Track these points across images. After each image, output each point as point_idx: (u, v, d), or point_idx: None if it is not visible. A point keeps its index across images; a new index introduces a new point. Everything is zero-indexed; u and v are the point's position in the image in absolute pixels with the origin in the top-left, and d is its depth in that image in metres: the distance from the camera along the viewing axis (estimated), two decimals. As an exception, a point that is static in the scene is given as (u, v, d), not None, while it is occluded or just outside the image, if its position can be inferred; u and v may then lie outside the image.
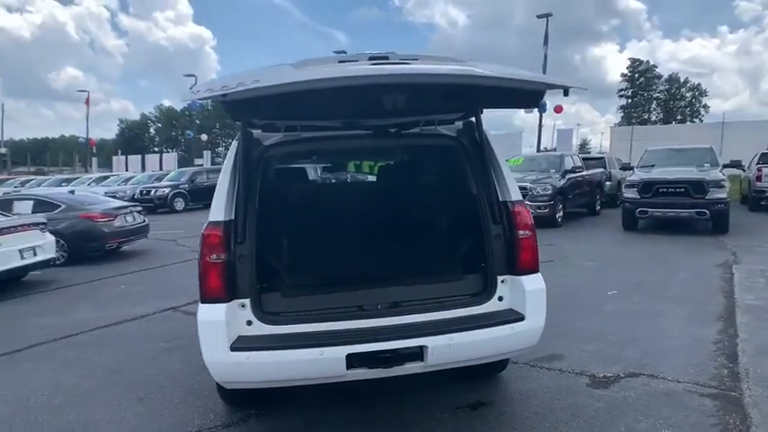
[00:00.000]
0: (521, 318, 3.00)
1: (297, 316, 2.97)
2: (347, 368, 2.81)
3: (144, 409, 3.80)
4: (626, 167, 15.09)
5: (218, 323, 2.79)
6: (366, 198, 4.07)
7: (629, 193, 11.72)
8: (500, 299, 3.10)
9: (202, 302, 2.88)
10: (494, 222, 3.10)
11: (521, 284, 3.07)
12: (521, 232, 3.11)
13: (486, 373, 3.92)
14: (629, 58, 65.74)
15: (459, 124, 3.39)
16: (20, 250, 7.97)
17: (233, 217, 2.93)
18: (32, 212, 10.30)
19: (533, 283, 3.10)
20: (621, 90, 61.03)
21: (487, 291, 3.11)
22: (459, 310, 3.04)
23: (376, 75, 2.23)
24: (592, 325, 5.24)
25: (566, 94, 2.49)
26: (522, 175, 13.46)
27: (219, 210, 2.92)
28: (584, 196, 14.71)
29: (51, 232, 9.35)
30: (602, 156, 19.23)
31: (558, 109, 24.59)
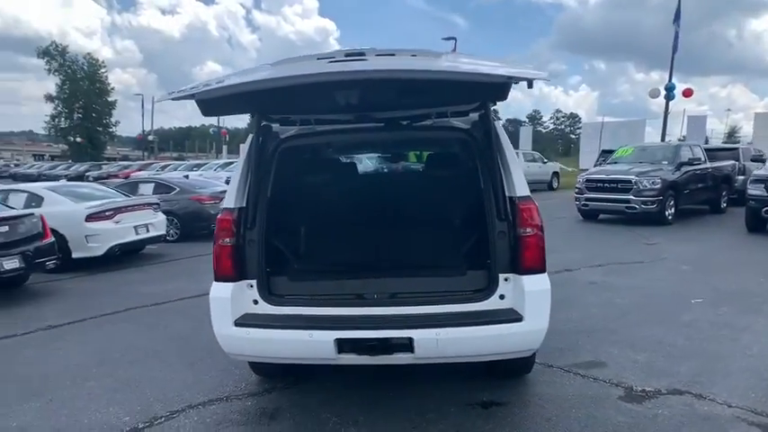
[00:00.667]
0: (518, 318, 2.89)
1: (299, 299, 3.15)
2: (339, 352, 2.92)
3: (191, 373, 4.24)
4: (757, 159, 13.21)
5: (225, 300, 3.06)
6: (376, 190, 4.11)
7: (755, 190, 10.29)
8: (501, 297, 3.00)
9: (215, 281, 3.17)
10: (498, 218, 3.00)
11: (522, 284, 2.95)
12: (525, 230, 2.97)
13: (509, 373, 3.81)
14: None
15: (474, 116, 3.29)
16: (135, 227, 9.14)
17: (244, 204, 3.16)
18: (153, 194, 11.73)
19: (535, 284, 2.96)
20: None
21: (489, 288, 3.02)
22: (456, 305, 3.00)
23: (323, 72, 2.30)
24: (656, 334, 4.79)
25: (530, 85, 2.33)
26: (629, 167, 12.46)
27: (232, 197, 3.18)
28: (704, 192, 13.22)
29: (166, 212, 10.59)
30: (734, 146, 17.01)
31: (688, 93, 22.06)
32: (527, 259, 2.97)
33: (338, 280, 3.29)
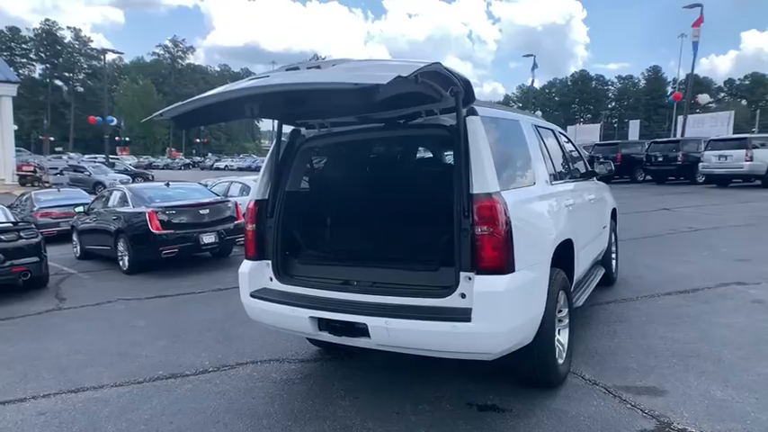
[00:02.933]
0: (466, 318, 2.80)
1: (302, 280, 3.61)
2: (319, 329, 3.30)
3: (276, 337, 5.00)
4: None
5: (244, 275, 3.74)
6: (377, 186, 4.19)
7: None
8: (462, 296, 2.92)
9: (245, 259, 3.85)
10: (463, 216, 2.93)
11: (474, 283, 2.84)
12: (480, 228, 2.84)
13: (529, 383, 3.59)
14: None
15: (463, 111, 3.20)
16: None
17: (266, 197, 3.75)
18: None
19: (488, 285, 2.81)
20: None
21: (452, 286, 2.99)
22: (418, 299, 3.05)
23: (231, 90, 2.72)
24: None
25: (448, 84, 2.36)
26: None
27: (256, 190, 3.80)
28: None
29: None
30: None
31: None
32: (482, 258, 2.84)
33: (332, 266, 3.66)
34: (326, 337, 3.32)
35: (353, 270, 3.51)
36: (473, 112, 3.06)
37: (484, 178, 2.91)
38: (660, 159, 19.99)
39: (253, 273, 3.74)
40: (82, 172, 27.57)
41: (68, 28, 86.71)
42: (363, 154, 4.48)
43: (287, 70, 2.85)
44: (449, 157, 3.46)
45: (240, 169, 51.77)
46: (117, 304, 6.82)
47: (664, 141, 22.42)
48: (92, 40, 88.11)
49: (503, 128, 3.44)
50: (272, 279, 3.71)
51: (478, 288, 2.83)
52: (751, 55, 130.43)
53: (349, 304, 3.18)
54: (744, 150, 16.90)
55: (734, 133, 24.48)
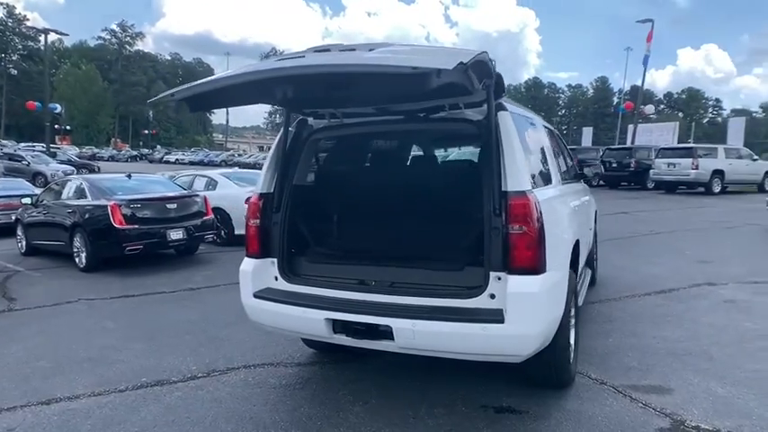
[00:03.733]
0: (498, 320, 2.73)
1: (311, 280, 3.42)
2: (334, 332, 3.13)
3: (264, 339, 4.78)
4: None
5: (247, 274, 3.50)
6: (391, 181, 4.07)
7: None
8: (492, 296, 2.85)
9: (246, 256, 3.62)
10: (494, 214, 2.85)
11: (507, 284, 2.77)
12: (514, 227, 2.77)
13: (541, 384, 3.56)
14: None
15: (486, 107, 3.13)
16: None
17: (271, 190, 3.54)
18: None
19: (521, 286, 2.75)
20: None
21: (481, 286, 2.90)
22: (445, 299, 2.95)
23: (263, 70, 2.49)
24: (766, 369, 3.93)
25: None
26: None
27: (261, 183, 3.58)
28: None
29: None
30: None
31: None
32: (516, 258, 2.78)
33: (345, 265, 3.49)
34: (342, 340, 3.16)
35: (368, 269, 3.36)
36: (503, 107, 2.99)
37: (517, 176, 2.84)
38: (614, 165, 20.83)
39: (256, 271, 3.52)
40: (19, 161, 25.70)
41: (0, 4, 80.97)
42: (379, 147, 4.32)
43: (316, 52, 2.66)
44: (474, 152, 3.37)
45: (192, 163, 50.15)
46: (78, 305, 6.33)
47: (618, 148, 23.40)
48: (27, 19, 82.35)
49: (526, 125, 3.39)
50: (277, 278, 3.50)
51: (513, 289, 2.75)
52: (686, 71, 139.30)
53: (370, 305, 3.03)
54: (691, 159, 17.87)
55: (678, 143, 25.94)
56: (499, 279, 2.86)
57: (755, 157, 19.95)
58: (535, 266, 2.80)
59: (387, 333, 2.95)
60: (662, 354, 4.24)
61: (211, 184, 10.73)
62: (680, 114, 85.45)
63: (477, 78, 2.67)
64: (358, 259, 3.51)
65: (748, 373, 3.85)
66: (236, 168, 22.60)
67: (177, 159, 54.97)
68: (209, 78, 2.79)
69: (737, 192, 19.04)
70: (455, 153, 4.45)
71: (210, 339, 4.89)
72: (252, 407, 3.54)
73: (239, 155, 62.18)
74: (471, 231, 3.10)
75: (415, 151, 4.49)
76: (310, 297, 3.26)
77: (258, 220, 3.55)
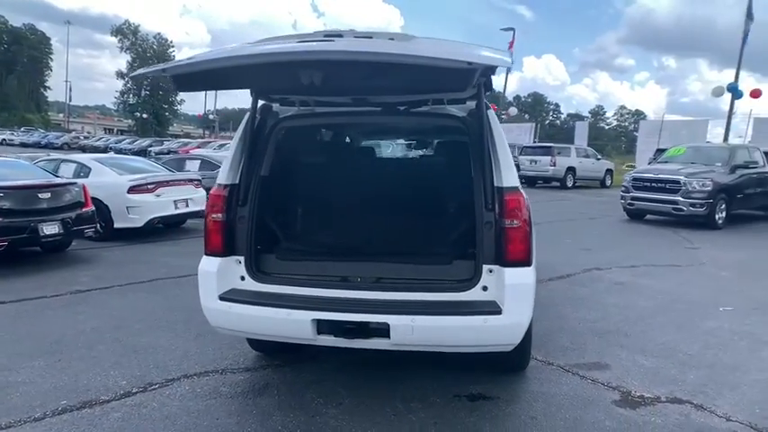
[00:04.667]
0: (497, 311, 2.80)
1: (285, 278, 3.18)
2: (317, 333, 2.94)
3: (195, 344, 4.39)
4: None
5: (211, 274, 3.14)
6: (369, 174, 4.05)
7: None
8: (484, 289, 2.92)
9: (205, 255, 3.25)
10: (486, 209, 2.91)
11: (503, 276, 2.86)
12: (509, 221, 2.87)
13: (504, 367, 3.73)
14: None
15: (471, 104, 3.19)
16: (174, 201, 9.50)
17: (236, 181, 3.22)
18: (199, 170, 12.15)
19: (517, 277, 2.86)
20: None
21: (473, 279, 2.95)
22: (438, 293, 2.95)
23: (282, 52, 2.28)
24: (671, 340, 4.55)
25: (492, 72, 2.22)
26: (680, 167, 11.80)
27: (224, 174, 3.24)
28: (762, 197, 12.36)
29: (208, 189, 10.92)
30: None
31: (756, 93, 20.50)
32: (510, 252, 2.87)
33: (324, 262, 3.31)
34: (327, 341, 2.98)
35: (349, 266, 3.21)
36: (486, 106, 3.04)
37: (510, 172, 2.91)
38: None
39: (222, 271, 3.16)
40: None
41: None
42: (353, 139, 4.10)
43: (327, 36, 2.45)
44: (457, 148, 3.35)
45: (24, 145, 43.49)
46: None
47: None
48: None
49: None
50: (243, 278, 3.19)
51: (510, 280, 2.83)
52: (530, 77, 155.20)
53: (363, 303, 2.90)
54: (549, 157, 19.94)
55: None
56: (491, 272, 2.92)
57: (599, 156, 22.91)
58: (527, 259, 2.92)
59: (381, 330, 2.86)
60: (587, 334, 4.69)
61: (83, 171, 9.40)
62: (526, 116, 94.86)
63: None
64: (337, 255, 3.33)
65: (660, 346, 4.43)
66: (112, 152, 20.14)
67: (4, 140, 47.21)
68: (214, 55, 2.42)
69: (585, 186, 21.73)
70: (433, 147, 4.39)
71: (130, 349, 4.31)
72: (215, 420, 3.20)
73: (85, 137, 55.48)
74: (458, 225, 3.12)
75: (394, 144, 4.38)
76: (291, 297, 3.02)
77: (221, 215, 3.19)
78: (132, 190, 8.96)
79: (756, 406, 3.38)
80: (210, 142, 38.28)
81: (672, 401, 3.44)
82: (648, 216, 12.17)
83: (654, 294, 6.02)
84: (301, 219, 3.75)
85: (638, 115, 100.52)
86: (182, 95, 62.24)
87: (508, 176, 2.91)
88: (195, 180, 10.34)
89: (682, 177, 11.09)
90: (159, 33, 61.95)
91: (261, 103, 3.35)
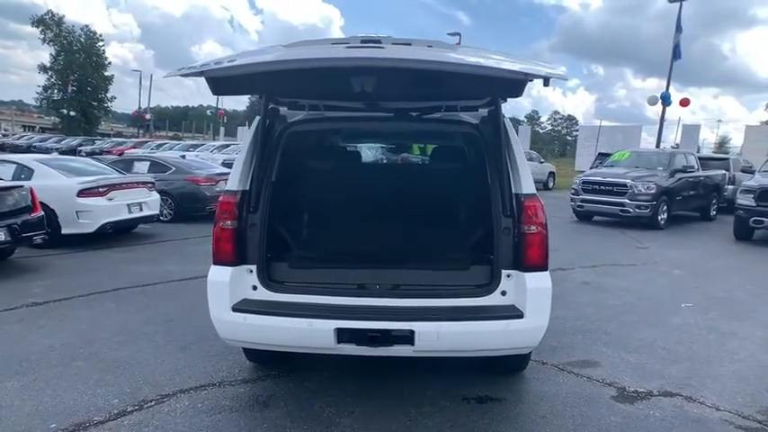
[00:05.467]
0: (519, 315, 2.88)
1: (300, 287, 3.11)
2: (338, 342, 2.89)
3: (183, 357, 4.19)
4: (747, 171, 13.39)
5: (223, 284, 3.02)
6: (384, 180, 4.07)
7: (744, 200, 10.42)
8: (503, 293, 2.98)
9: (214, 264, 3.12)
10: (504, 215, 2.98)
11: (524, 281, 2.93)
12: (529, 227, 2.95)
13: (505, 369, 3.81)
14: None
15: (483, 111, 3.26)
16: (128, 205, 9.01)
17: (247, 187, 3.11)
18: (148, 172, 11.58)
19: (537, 281, 2.94)
20: (774, 83, 53.17)
21: (491, 284, 3.01)
22: (458, 299, 2.99)
23: (345, 58, 2.26)
24: (647, 336, 4.82)
25: (546, 83, 2.31)
26: (626, 171, 12.53)
27: (235, 179, 3.12)
28: (696, 199, 13.33)
29: (161, 191, 10.46)
30: (725, 156, 17.17)
31: (684, 102, 22.16)
32: (530, 257, 2.95)
33: (340, 269, 3.27)
34: (348, 349, 2.93)
35: (364, 273, 3.17)
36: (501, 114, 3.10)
37: (528, 179, 2.99)
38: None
39: (234, 281, 3.04)
40: None
41: None
42: (365, 145, 4.02)
43: (363, 42, 2.41)
44: (473, 154, 3.36)
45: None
46: None
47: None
48: None
49: None
50: (256, 288, 3.08)
51: (532, 284, 2.90)
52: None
53: (387, 311, 2.88)
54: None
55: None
56: (509, 276, 2.99)
57: (542, 159, 23.85)
58: (545, 263, 3.01)
59: (405, 338, 2.85)
60: (571, 333, 4.88)
61: (23, 173, 8.70)
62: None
63: None
64: (351, 263, 3.28)
65: (638, 342, 4.68)
66: (56, 153, 18.78)
67: None
68: (258, 58, 2.32)
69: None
70: (445, 154, 4.39)
71: (112, 364, 4.06)
72: (226, 436, 3.08)
73: (3, 134, 51.54)
74: (474, 231, 3.16)
75: (406, 150, 4.34)
76: (310, 306, 2.95)
77: (233, 222, 3.07)
78: (82, 193, 8.43)
79: (738, 395, 3.65)
80: (147, 142, 36.70)
81: (664, 395, 3.65)
82: (596, 217, 12.82)
83: (620, 293, 6.35)
84: (313, 226, 3.67)
85: (571, 120, 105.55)
86: (112, 91, 59.09)
87: (526, 183, 2.99)
88: (149, 183, 9.87)
89: (628, 181, 11.76)
90: (87, 26, 58.08)
91: (270, 106, 3.26)
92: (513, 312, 2.89)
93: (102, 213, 8.55)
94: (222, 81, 2.44)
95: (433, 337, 2.82)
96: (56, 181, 8.56)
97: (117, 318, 5.18)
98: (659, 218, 11.83)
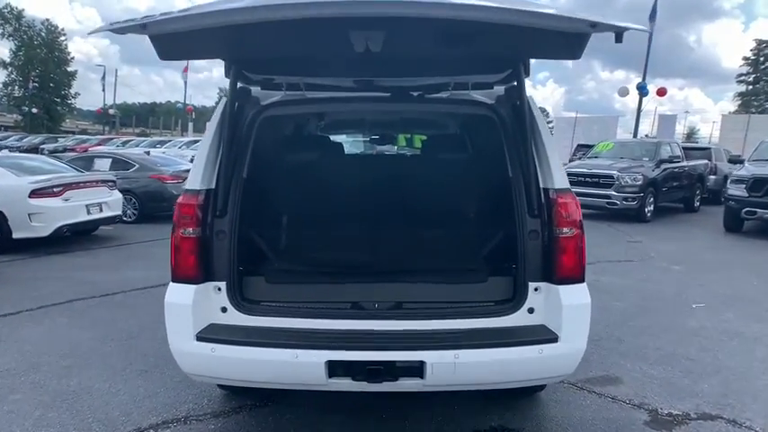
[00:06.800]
0: (553, 338, 2.35)
1: (280, 308, 2.53)
2: (329, 376, 2.33)
3: (142, 384, 3.58)
4: (735, 160, 13.24)
5: (184, 307, 2.41)
6: (380, 175, 3.45)
7: (735, 190, 10.16)
8: (530, 311, 2.46)
9: (173, 281, 2.52)
10: (530, 215, 2.45)
11: (557, 296, 2.41)
12: (563, 230, 2.43)
13: (521, 393, 3.30)
14: (755, 39, 57.94)
15: (499, 89, 2.71)
16: (86, 205, 8.27)
17: (213, 186, 2.52)
18: (110, 170, 10.77)
19: (574, 296, 2.42)
20: (741, 75, 54.33)
21: (515, 299, 2.48)
22: (476, 319, 2.44)
23: (330, 1, 1.67)
24: (665, 344, 4.38)
25: (618, 39, 1.80)
26: (611, 162, 12.21)
27: (197, 177, 2.51)
28: (680, 190, 13.12)
29: (123, 190, 9.70)
30: (707, 146, 17.09)
31: (661, 92, 22.13)
32: (564, 265, 2.43)
33: (329, 284, 2.68)
34: (342, 385, 2.37)
35: (358, 288, 2.60)
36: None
37: (559, 170, 2.46)
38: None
39: (198, 303, 2.44)
40: None
41: None
42: (356, 131, 3.41)
43: None
44: (489, 142, 2.82)
45: None
46: None
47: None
48: None
49: None
50: (225, 310, 2.49)
51: (568, 301, 2.38)
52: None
53: (390, 336, 2.32)
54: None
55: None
56: (537, 290, 2.46)
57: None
58: (581, 273, 2.49)
59: (413, 370, 2.30)
60: (582, 341, 4.40)
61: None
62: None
63: None
64: (343, 276, 2.70)
65: (657, 352, 4.23)
66: (6, 151, 17.62)
67: None
68: (217, 6, 1.71)
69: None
70: (456, 142, 3.76)
71: (58, 396, 3.41)
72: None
73: None
74: (492, 235, 2.63)
75: (407, 138, 3.73)
76: (293, 333, 2.37)
77: (196, 229, 2.46)
78: (35, 194, 7.66)
79: (786, 416, 3.21)
80: (112, 139, 35.39)
81: (703, 417, 3.19)
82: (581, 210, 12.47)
83: (623, 293, 5.94)
84: (295, 231, 3.08)
85: (542, 112, 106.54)
86: (76, 88, 56.96)
87: (557, 176, 2.45)
88: (110, 181, 9.10)
89: (615, 172, 11.43)
90: (48, 20, 55.66)
91: (239, 85, 2.66)
92: (545, 335, 2.37)
93: (56, 215, 7.79)
94: (170, 39, 1.85)
95: (449, 369, 2.28)
96: (5, 180, 7.76)
97: (69, 336, 4.51)
98: (646, 210, 11.55)
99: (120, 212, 9.11)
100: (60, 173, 8.56)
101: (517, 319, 2.43)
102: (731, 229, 10.46)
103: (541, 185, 2.47)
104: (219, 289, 2.49)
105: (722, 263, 7.78)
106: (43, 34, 54.27)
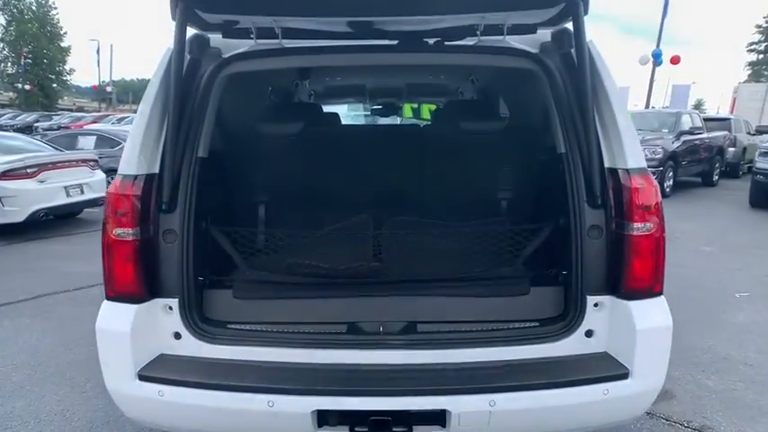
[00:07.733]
0: (623, 374, 1.73)
1: (252, 332, 1.90)
2: (318, 427, 1.72)
3: (103, 405, 3.01)
4: (763, 131, 12.46)
5: (121, 335, 1.80)
6: (380, 153, 2.67)
7: (764, 163, 9.47)
8: (588, 334, 1.83)
9: (107, 299, 1.90)
10: (591, 204, 1.81)
11: (628, 315, 1.78)
12: (637, 225, 1.78)
13: None
14: (770, 6, 56.07)
15: (545, 33, 2.03)
16: (65, 187, 7.67)
17: (157, 170, 1.87)
18: (95, 148, 10.13)
19: (651, 316, 1.79)
20: (753, 44, 52.64)
21: (568, 318, 1.85)
22: (517, 347, 1.81)
23: None
24: (715, 344, 3.79)
25: None
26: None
27: (134, 158, 1.85)
28: (700, 163, 12.40)
29: (109, 170, 9.04)
30: (727, 117, 16.25)
31: (675, 60, 21.09)
32: (637, 274, 1.79)
33: (317, 298, 2.03)
34: None
35: (355, 304, 1.96)
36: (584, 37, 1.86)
37: (634, 145, 1.80)
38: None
39: (140, 328, 1.82)
40: None
41: None
42: (352, 93, 2.71)
43: None
44: (531, 105, 2.16)
45: None
46: None
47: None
48: None
49: None
50: (179, 336, 1.87)
51: (644, 323, 1.74)
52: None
53: (404, 374, 1.71)
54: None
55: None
56: (597, 306, 1.83)
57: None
58: (661, 285, 1.85)
59: (431, 419, 1.69)
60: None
61: None
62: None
63: None
64: (335, 286, 2.05)
65: (708, 355, 3.68)
66: None
67: None
68: None
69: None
70: (485, 105, 3.03)
71: (1, 422, 2.85)
72: None
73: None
74: (535, 231, 1.99)
75: (421, 101, 3.01)
76: (271, 370, 1.76)
77: (135, 228, 1.83)
78: (6, 175, 7.03)
79: None
80: (108, 116, 34.60)
81: (783, 447, 2.61)
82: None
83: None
84: (272, 227, 2.42)
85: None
86: (71, 64, 55.79)
87: (630, 151, 1.79)
88: (91, 160, 8.46)
89: (634, 145, 10.72)
90: (37, -8, 54.20)
91: (192, 33, 1.99)
92: (611, 370, 1.74)
93: (31, 199, 7.18)
94: None
95: (482, 419, 1.67)
96: (-28, 161, 7.12)
97: (28, 340, 3.95)
98: (665, 185, 10.87)
99: (103, 194, 8.47)
100: (35, 152, 7.93)
101: (571, 345, 1.80)
102: (757, 205, 9.80)
103: (607, 164, 1.82)
104: (170, 308, 1.86)
105: (756, 243, 7.14)
106: (33, 8, 52.96)
